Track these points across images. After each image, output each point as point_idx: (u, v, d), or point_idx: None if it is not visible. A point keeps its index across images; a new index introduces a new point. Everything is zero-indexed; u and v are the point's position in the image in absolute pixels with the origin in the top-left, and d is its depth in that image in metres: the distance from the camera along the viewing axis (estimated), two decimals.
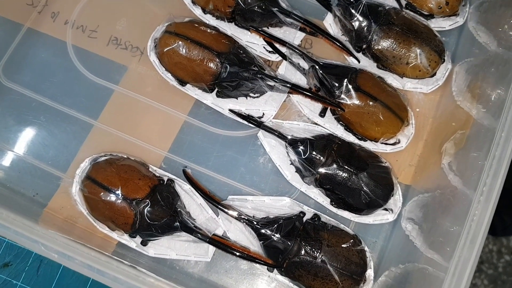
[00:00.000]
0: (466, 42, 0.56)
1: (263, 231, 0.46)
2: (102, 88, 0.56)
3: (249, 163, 0.53)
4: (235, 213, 0.47)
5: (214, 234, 0.47)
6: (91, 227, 0.50)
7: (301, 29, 0.55)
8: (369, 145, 0.51)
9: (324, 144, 0.48)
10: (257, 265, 0.48)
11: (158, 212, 0.46)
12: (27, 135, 0.54)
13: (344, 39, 0.55)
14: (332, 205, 0.50)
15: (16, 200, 0.52)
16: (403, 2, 0.56)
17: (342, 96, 0.49)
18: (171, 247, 0.49)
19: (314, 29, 0.53)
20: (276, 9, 0.52)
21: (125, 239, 0.49)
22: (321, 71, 0.50)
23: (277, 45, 0.53)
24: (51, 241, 0.33)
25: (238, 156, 0.53)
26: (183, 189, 0.50)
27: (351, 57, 0.54)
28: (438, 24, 0.56)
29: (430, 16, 0.56)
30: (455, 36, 0.57)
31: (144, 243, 0.48)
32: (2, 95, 0.55)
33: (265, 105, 0.53)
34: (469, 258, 0.35)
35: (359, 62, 0.54)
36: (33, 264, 0.51)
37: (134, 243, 0.49)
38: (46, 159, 0.53)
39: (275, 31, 0.55)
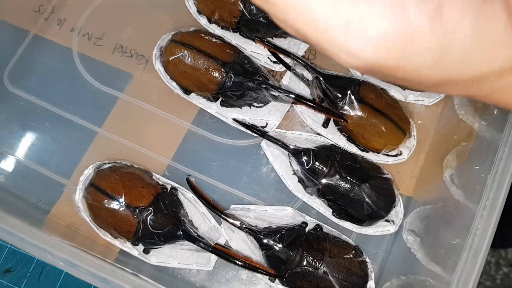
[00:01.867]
0: None
1: (265, 241, 0.46)
2: (107, 96, 0.56)
3: (252, 173, 0.53)
4: (238, 223, 0.47)
5: (216, 243, 0.47)
6: (93, 234, 0.50)
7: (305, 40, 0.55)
8: (371, 156, 0.52)
9: (327, 154, 0.49)
10: (259, 275, 0.48)
11: (161, 221, 0.46)
12: (32, 141, 0.54)
13: None
14: (334, 215, 0.50)
15: (19, 206, 0.52)
16: None
17: (345, 107, 0.50)
18: (173, 255, 0.49)
19: None
20: None
21: (127, 246, 0.49)
22: (324, 82, 0.51)
23: (282, 56, 0.54)
24: (58, 249, 0.33)
25: (241, 165, 0.53)
26: (186, 197, 0.50)
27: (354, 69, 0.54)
28: None
29: None
30: None
31: (146, 251, 0.48)
32: (7, 101, 0.56)
33: (269, 115, 0.53)
34: (471, 272, 0.35)
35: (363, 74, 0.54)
36: (35, 270, 0.51)
37: (136, 251, 0.49)
38: (50, 166, 0.53)
39: (279, 42, 0.56)
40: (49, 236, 0.35)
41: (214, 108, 0.54)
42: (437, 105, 0.55)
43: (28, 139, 0.54)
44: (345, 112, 0.50)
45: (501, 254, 1.01)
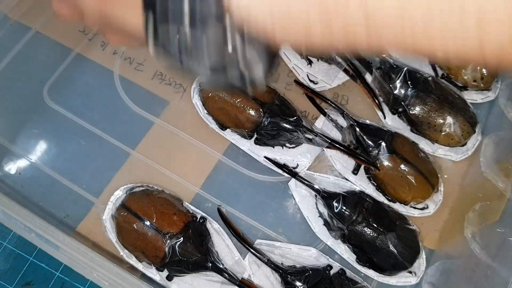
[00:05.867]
0: (496, 116, 0.58)
1: (290, 279, 0.47)
2: (143, 119, 0.57)
3: (278, 210, 0.54)
4: (265, 258, 0.48)
5: (243, 278, 0.47)
6: (117, 256, 0.50)
7: (345, 70, 0.57)
8: (397, 207, 0.53)
9: (356, 200, 0.50)
10: None
11: (190, 249, 0.47)
12: (66, 157, 0.55)
13: (380, 100, 0.57)
14: (357, 262, 0.50)
15: (46, 220, 0.52)
16: (440, 72, 0.59)
17: (378, 156, 0.51)
18: (194, 285, 0.49)
19: (355, 74, 0.56)
20: None
21: (150, 272, 0.49)
22: (359, 130, 0.52)
23: (318, 101, 0.56)
24: (105, 268, 0.33)
25: (268, 200, 0.54)
26: (214, 228, 0.51)
27: (385, 119, 0.56)
28: (470, 96, 0.58)
29: (464, 88, 0.58)
30: (486, 110, 0.59)
31: (169, 278, 0.49)
32: (45, 115, 0.57)
33: (300, 156, 0.54)
34: None
35: (385, 118, 0.56)
36: (55, 285, 0.51)
37: (158, 276, 0.49)
38: (81, 183, 0.54)
39: (320, 65, 0.58)
40: (101, 256, 0.35)
41: (247, 145, 0.55)
42: (463, 162, 0.56)
43: (61, 155, 0.55)
44: (377, 161, 0.51)
45: None
